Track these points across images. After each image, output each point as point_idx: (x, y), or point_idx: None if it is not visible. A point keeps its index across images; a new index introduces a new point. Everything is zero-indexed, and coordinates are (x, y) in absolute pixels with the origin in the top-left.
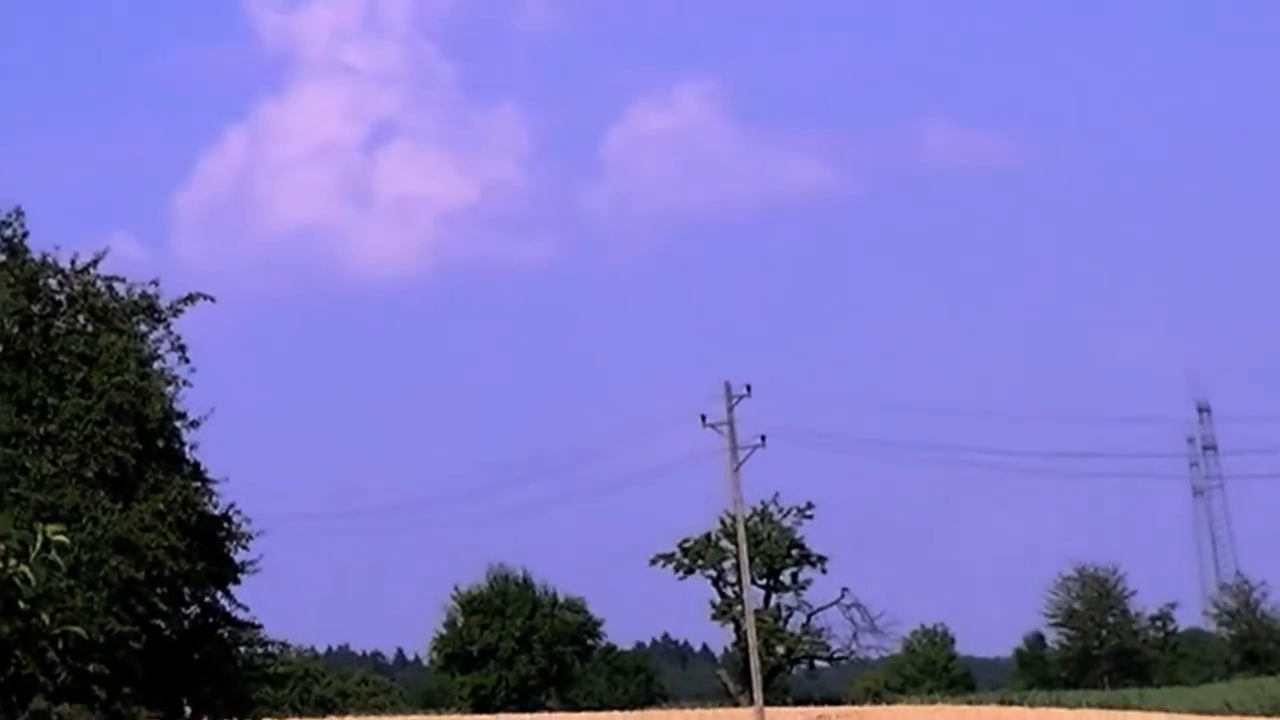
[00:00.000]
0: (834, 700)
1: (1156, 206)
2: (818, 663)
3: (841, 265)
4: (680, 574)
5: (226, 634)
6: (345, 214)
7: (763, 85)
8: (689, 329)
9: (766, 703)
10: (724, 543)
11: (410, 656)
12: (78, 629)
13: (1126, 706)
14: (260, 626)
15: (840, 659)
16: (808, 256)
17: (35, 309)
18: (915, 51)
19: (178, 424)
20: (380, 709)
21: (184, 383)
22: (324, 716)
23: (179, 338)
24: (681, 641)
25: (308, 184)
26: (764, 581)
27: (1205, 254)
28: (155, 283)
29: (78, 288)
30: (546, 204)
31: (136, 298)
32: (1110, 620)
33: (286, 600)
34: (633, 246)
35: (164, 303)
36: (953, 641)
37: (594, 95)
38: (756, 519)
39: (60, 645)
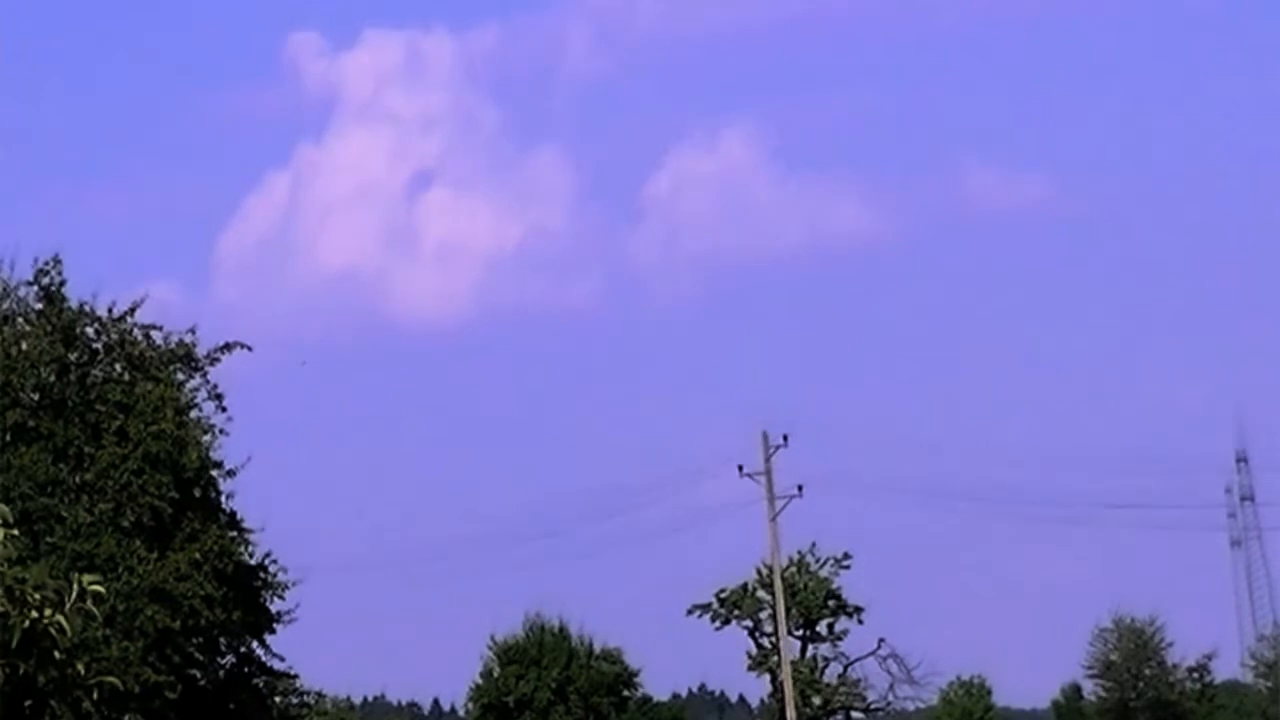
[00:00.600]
0: None
1: (1198, 252)
2: (854, 714)
3: (884, 309)
4: (717, 624)
5: (262, 684)
6: (388, 258)
7: (805, 128)
8: (731, 374)
9: None
10: (761, 593)
11: (446, 707)
12: (113, 679)
13: None
14: (296, 676)
15: (877, 710)
16: (850, 300)
17: (72, 357)
18: (957, 93)
19: (214, 473)
20: None
21: (220, 431)
22: None
23: (215, 386)
24: (718, 692)
25: (350, 229)
26: (800, 632)
27: (1245, 302)
28: (192, 330)
29: (115, 335)
30: (590, 248)
31: (173, 346)
32: (1148, 672)
33: (323, 649)
34: (676, 290)
35: (201, 351)
36: (990, 692)
37: (637, 138)
38: (793, 569)
39: (96, 695)
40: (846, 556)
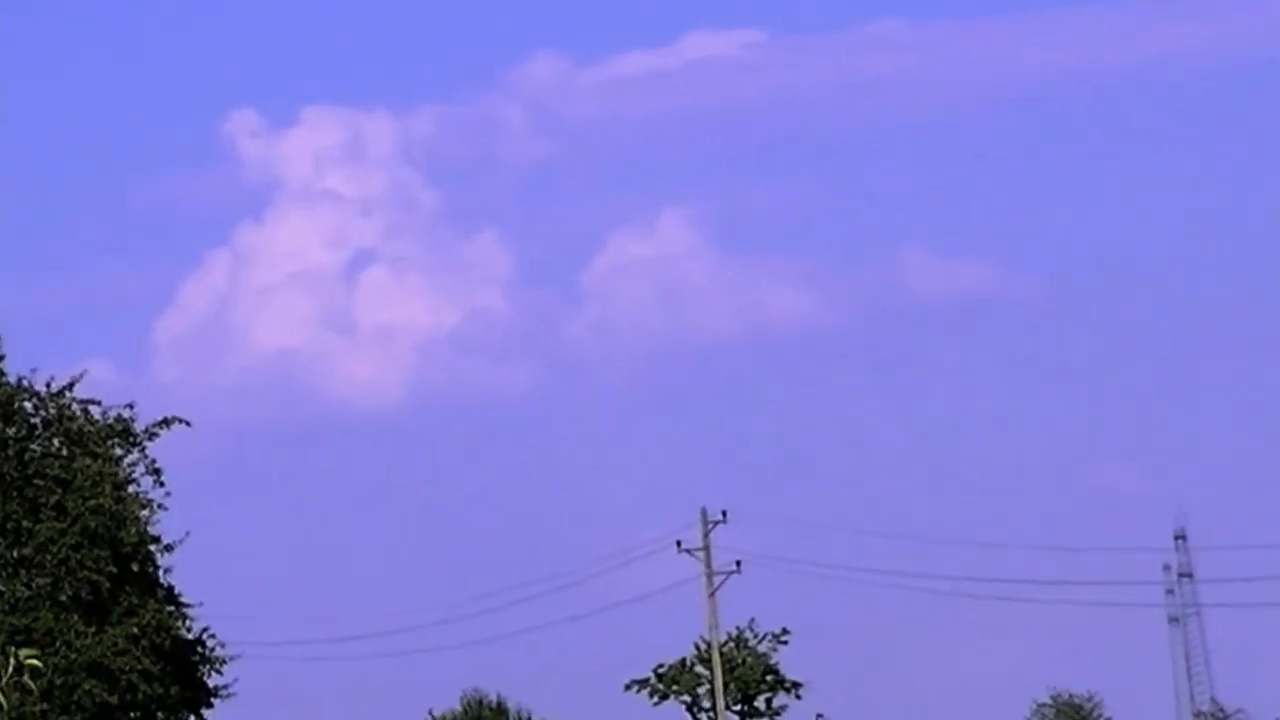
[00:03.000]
0: None
1: (1136, 333)
2: None
3: (822, 393)
4: (655, 700)
5: None
6: (326, 340)
7: (745, 213)
8: (669, 455)
9: None
10: (699, 668)
11: None
12: None
13: None
14: None
15: None
16: (789, 384)
17: (10, 432)
18: (898, 179)
19: (152, 548)
20: None
21: (159, 506)
22: None
23: (154, 461)
24: None
25: (288, 310)
26: (739, 707)
27: (1184, 381)
28: (131, 406)
29: (53, 411)
30: (527, 331)
31: (112, 421)
32: None
33: None
34: (613, 373)
35: (139, 426)
36: None
37: (576, 222)
38: (732, 645)
39: None
40: (785, 632)
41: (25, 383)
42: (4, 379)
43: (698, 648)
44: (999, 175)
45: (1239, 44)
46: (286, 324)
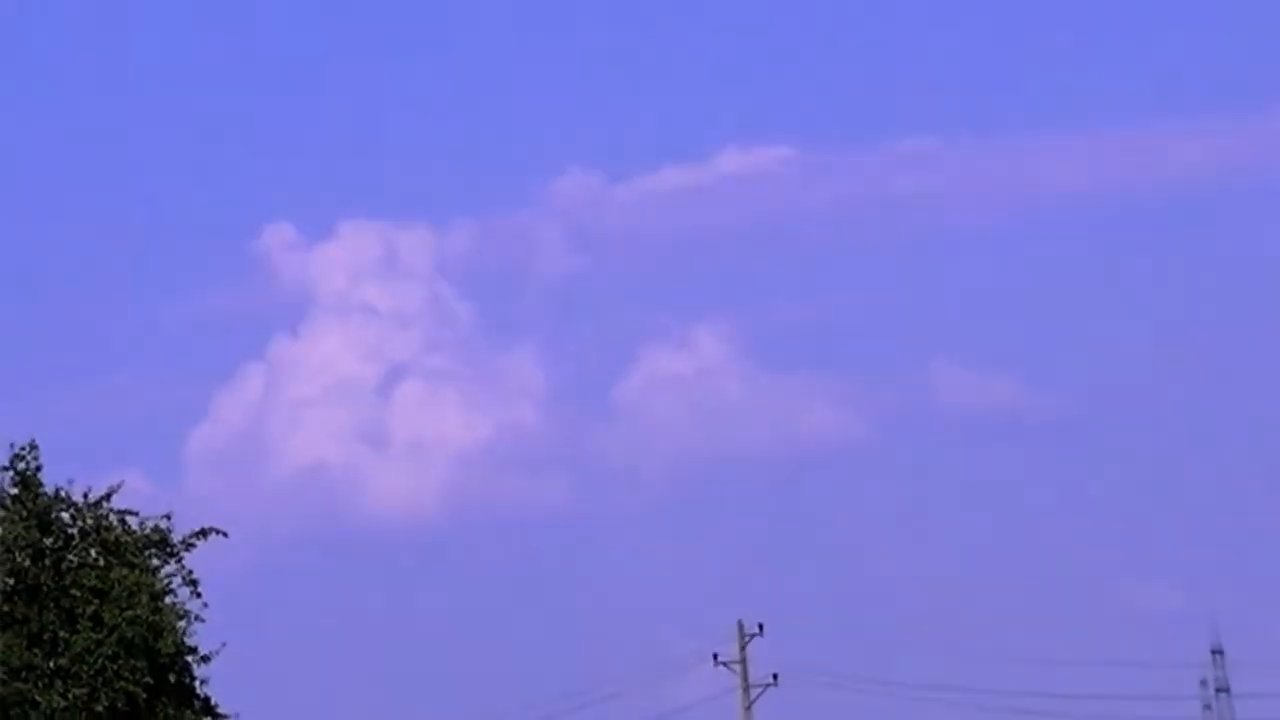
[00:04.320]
0: None
1: (1167, 446)
2: None
3: (857, 506)
4: None
5: None
6: (360, 453)
7: (777, 329)
8: (703, 569)
9: None
10: None
11: None
12: None
13: None
14: None
15: None
16: (824, 497)
17: (48, 542)
18: (929, 294)
19: (189, 658)
20: None
21: (196, 618)
22: None
23: (191, 572)
24: None
25: (323, 423)
26: None
27: (1218, 495)
28: (168, 517)
29: (90, 521)
30: (561, 445)
31: (149, 532)
32: None
33: None
34: (647, 488)
35: (176, 537)
36: None
37: (610, 337)
38: None
39: None
40: None
41: (63, 493)
42: (42, 490)
43: None
44: (1030, 289)
45: (1258, 161)
46: (321, 437)
